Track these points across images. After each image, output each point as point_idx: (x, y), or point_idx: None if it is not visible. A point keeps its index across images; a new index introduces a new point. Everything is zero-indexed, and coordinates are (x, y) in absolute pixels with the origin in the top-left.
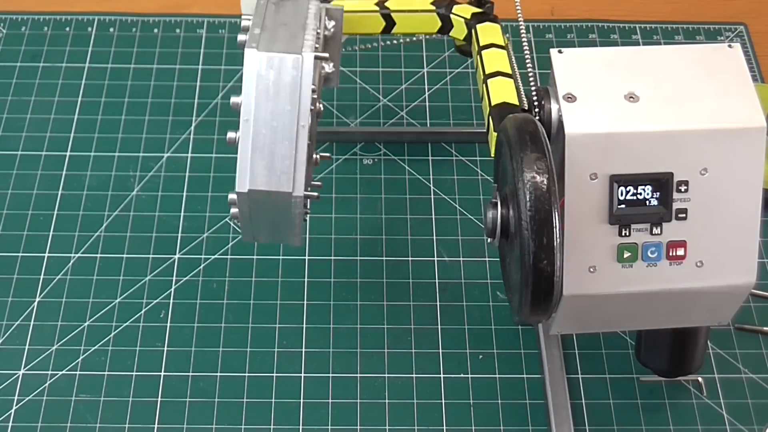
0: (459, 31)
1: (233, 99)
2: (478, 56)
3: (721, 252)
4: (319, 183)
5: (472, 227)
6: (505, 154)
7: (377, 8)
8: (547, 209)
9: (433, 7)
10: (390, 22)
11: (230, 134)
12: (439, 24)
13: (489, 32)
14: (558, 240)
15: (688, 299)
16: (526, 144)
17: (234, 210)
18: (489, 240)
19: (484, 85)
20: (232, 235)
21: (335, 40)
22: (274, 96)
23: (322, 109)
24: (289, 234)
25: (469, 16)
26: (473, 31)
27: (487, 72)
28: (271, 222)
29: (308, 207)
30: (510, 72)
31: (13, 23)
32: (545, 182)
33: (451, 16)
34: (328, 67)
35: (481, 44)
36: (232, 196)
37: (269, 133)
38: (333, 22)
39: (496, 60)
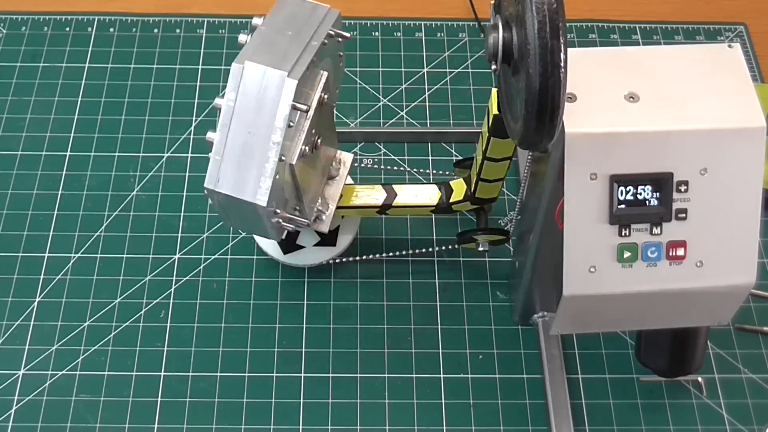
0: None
1: (217, 100)
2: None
3: (721, 252)
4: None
5: (471, 227)
6: None
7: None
8: (554, 28)
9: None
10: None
11: (209, 134)
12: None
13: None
14: (564, 61)
15: (688, 299)
16: None
17: (210, 201)
18: (492, 66)
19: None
20: (232, 235)
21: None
22: (255, 108)
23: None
24: (264, 232)
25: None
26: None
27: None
28: (245, 218)
29: (284, 219)
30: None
31: (13, 23)
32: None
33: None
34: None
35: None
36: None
37: (243, 142)
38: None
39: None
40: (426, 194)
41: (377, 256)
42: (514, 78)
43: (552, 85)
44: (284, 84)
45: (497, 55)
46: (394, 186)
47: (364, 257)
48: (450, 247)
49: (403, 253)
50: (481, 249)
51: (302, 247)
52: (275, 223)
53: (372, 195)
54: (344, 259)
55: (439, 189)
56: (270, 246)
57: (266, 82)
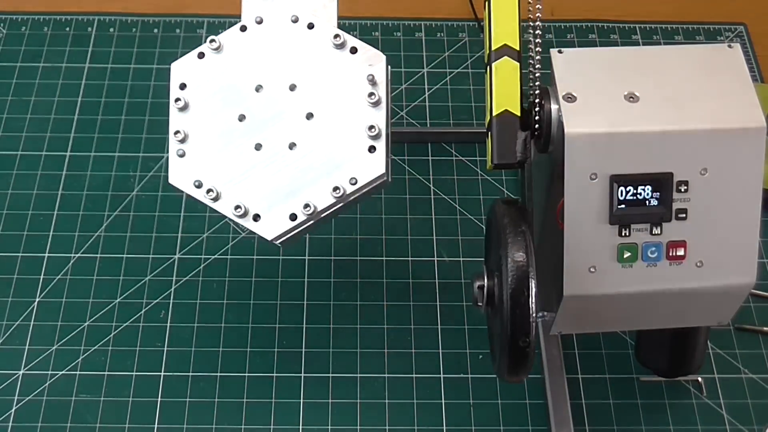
0: None
1: None
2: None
3: (721, 252)
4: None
5: (472, 227)
6: (493, 236)
7: None
8: (524, 290)
9: None
10: None
11: None
12: None
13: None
14: (533, 316)
15: (688, 299)
16: (510, 231)
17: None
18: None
19: (488, 73)
20: (232, 235)
21: None
22: None
23: None
24: None
25: None
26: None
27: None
28: None
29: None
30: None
31: (13, 23)
32: (525, 265)
33: None
34: None
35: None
36: None
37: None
38: None
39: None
40: None
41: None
42: (495, 319)
43: (521, 333)
44: None
45: (482, 299)
46: None
47: (364, 257)
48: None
49: (403, 253)
50: None
51: None
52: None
53: None
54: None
55: None
56: None
57: None
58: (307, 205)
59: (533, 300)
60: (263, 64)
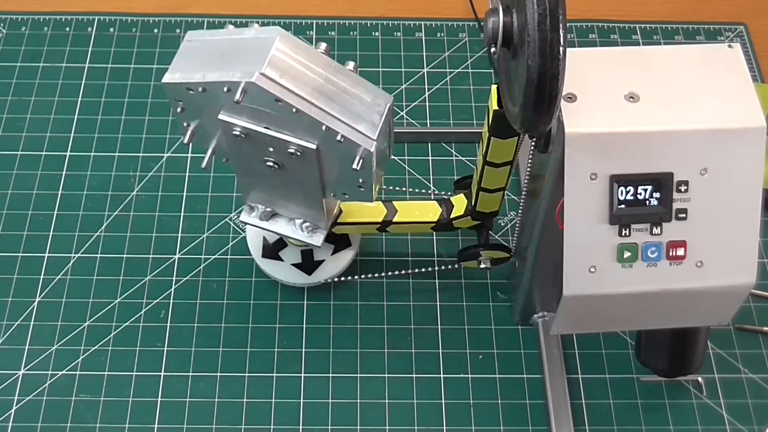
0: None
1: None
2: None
3: (721, 252)
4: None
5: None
6: None
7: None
8: (554, 20)
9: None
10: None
11: None
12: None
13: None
14: (563, 53)
15: (688, 299)
16: None
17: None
18: (492, 50)
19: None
20: (232, 235)
21: None
22: None
23: None
24: None
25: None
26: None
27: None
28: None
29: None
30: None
31: (13, 23)
32: None
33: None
34: None
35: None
36: None
37: None
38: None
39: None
40: (426, 211)
41: (376, 275)
42: (513, 61)
43: (550, 77)
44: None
45: (497, 39)
46: (394, 203)
47: (364, 257)
48: (450, 267)
49: (403, 253)
50: (482, 267)
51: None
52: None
53: (372, 212)
54: (343, 278)
55: (440, 205)
56: (282, 270)
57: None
58: None
59: (563, 33)
60: None
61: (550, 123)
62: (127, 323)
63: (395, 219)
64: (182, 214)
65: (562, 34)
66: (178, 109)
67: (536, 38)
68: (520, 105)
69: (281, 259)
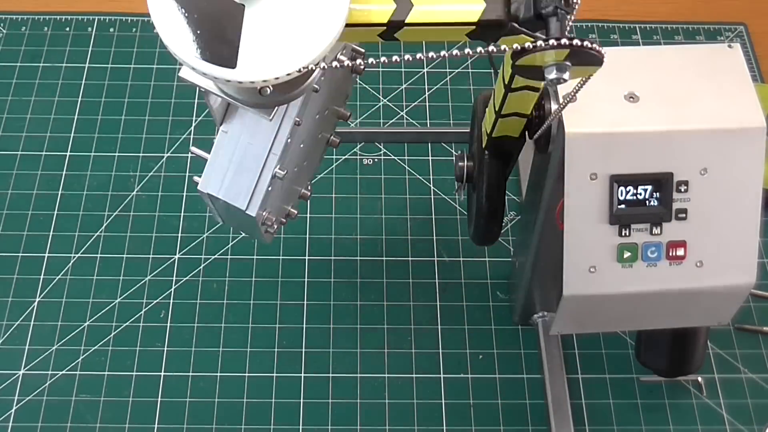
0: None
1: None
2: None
3: (721, 252)
4: (295, 211)
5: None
6: (474, 126)
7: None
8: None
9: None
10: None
11: (193, 149)
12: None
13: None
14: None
15: (688, 299)
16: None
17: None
18: (457, 185)
19: (501, 97)
20: (231, 235)
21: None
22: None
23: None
24: (256, 235)
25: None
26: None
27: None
28: (238, 220)
29: (275, 225)
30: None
31: (13, 23)
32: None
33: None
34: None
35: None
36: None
37: (242, 149)
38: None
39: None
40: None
41: (377, 256)
42: (473, 193)
43: (492, 213)
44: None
45: (462, 179)
46: None
47: (364, 257)
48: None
49: (403, 253)
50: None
51: None
52: (265, 231)
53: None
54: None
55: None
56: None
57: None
58: None
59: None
60: None
61: (496, 240)
62: (127, 323)
63: (410, 19)
64: (182, 214)
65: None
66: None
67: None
68: (473, 226)
69: None
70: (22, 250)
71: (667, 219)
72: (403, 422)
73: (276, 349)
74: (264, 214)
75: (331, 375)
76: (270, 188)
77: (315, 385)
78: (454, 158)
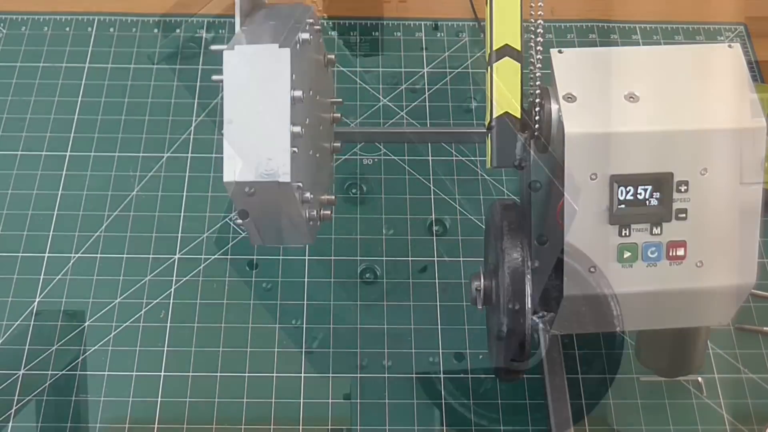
0: None
1: (214, 77)
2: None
3: (721, 252)
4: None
5: (472, 227)
6: (491, 238)
7: None
8: (521, 289)
9: None
10: None
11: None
12: None
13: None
14: (530, 320)
15: (688, 299)
16: (508, 234)
17: (239, 221)
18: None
19: (489, 73)
20: (232, 235)
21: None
22: (255, 89)
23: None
24: (299, 224)
25: None
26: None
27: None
28: (274, 216)
29: (314, 210)
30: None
31: (13, 23)
32: (521, 265)
33: None
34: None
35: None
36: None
37: (253, 128)
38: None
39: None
40: None
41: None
42: (493, 317)
43: (517, 334)
44: (279, 55)
45: (479, 300)
46: None
47: (364, 257)
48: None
49: (403, 253)
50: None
51: None
52: (306, 213)
53: None
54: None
55: None
56: None
57: (260, 60)
58: None
59: (529, 307)
60: None
61: (520, 376)
62: (127, 323)
63: None
64: (182, 214)
65: (528, 305)
66: None
67: (504, 305)
68: (494, 352)
69: None
70: (22, 250)
71: (667, 219)
72: (403, 422)
73: (276, 349)
74: (299, 186)
75: (331, 375)
76: (295, 149)
77: (315, 385)
78: (469, 279)
